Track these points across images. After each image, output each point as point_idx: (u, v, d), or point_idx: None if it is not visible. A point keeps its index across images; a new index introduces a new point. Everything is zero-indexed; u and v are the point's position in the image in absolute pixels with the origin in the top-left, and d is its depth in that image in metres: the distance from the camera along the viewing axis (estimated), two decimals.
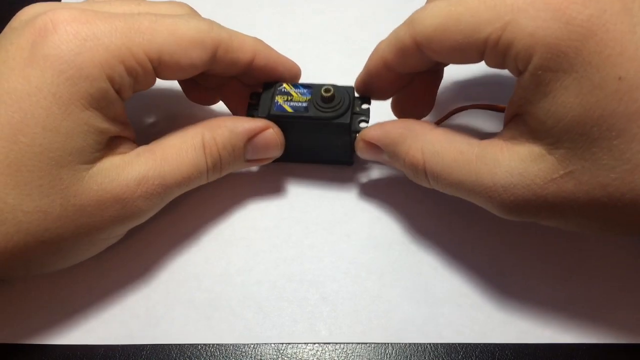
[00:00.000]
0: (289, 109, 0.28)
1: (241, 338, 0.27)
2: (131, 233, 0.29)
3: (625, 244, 0.29)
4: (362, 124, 0.29)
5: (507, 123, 0.25)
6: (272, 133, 0.28)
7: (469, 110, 0.32)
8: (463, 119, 0.33)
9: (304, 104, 0.28)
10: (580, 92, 0.20)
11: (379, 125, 0.28)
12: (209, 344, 0.27)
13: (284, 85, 0.29)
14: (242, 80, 0.30)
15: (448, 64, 0.28)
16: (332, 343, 0.27)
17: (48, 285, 0.28)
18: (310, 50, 0.38)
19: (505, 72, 0.24)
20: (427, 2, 0.26)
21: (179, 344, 0.26)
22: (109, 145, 0.25)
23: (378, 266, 0.29)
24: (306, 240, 0.30)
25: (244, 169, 0.29)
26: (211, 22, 0.27)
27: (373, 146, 0.28)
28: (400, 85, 0.29)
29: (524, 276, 0.28)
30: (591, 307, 0.27)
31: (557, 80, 0.21)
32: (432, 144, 0.25)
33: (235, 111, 0.32)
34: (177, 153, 0.26)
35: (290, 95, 0.28)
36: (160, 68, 0.25)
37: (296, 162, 0.32)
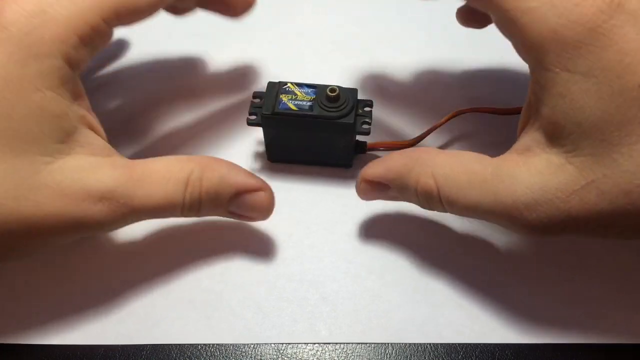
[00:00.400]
0: (294, 107, 0.28)
1: (241, 338, 0.27)
2: (129, 232, 0.29)
3: (625, 243, 0.29)
4: (365, 126, 0.29)
5: (521, 133, 0.24)
6: (262, 196, 0.26)
7: (469, 115, 0.32)
8: (463, 124, 0.32)
9: (309, 103, 0.28)
10: (601, 97, 0.20)
11: (378, 161, 0.26)
12: (209, 344, 0.27)
13: (289, 84, 0.29)
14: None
15: None
16: (332, 343, 0.27)
17: (48, 286, 0.28)
18: (310, 50, 0.38)
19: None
20: None
21: (179, 344, 0.26)
22: (73, 138, 0.23)
23: (378, 266, 0.29)
24: (306, 240, 0.30)
25: (222, 217, 0.27)
26: None
27: (376, 185, 0.26)
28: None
29: (524, 276, 0.28)
30: (591, 307, 0.27)
31: (574, 83, 0.21)
32: (442, 168, 0.24)
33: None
34: (158, 181, 0.24)
35: (295, 94, 0.29)
36: (120, 22, 0.24)
37: (296, 163, 0.32)
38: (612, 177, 0.21)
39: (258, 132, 0.31)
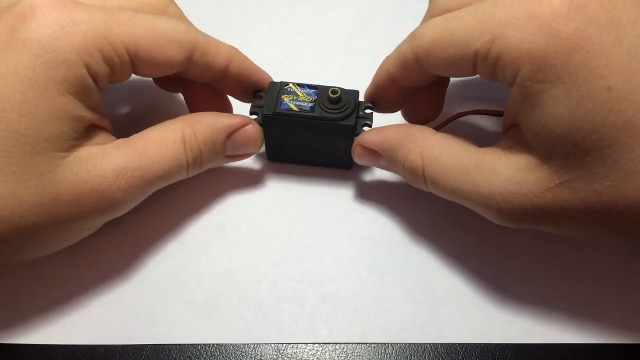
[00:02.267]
0: (295, 108, 0.28)
1: (241, 338, 0.27)
2: (130, 232, 0.29)
3: (623, 243, 0.29)
4: (365, 128, 0.29)
5: (506, 132, 0.25)
6: (251, 129, 0.28)
7: (470, 117, 0.32)
8: (463, 123, 0.33)
9: (310, 104, 0.28)
10: (570, 103, 0.21)
11: (377, 130, 0.28)
12: (209, 344, 0.27)
13: (290, 85, 0.29)
14: (215, 85, 0.30)
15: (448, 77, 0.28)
16: (332, 343, 0.27)
17: (46, 285, 0.28)
18: (310, 50, 0.38)
19: None
20: (427, 18, 0.27)
21: (179, 344, 0.26)
22: (86, 134, 0.24)
23: (378, 266, 0.29)
24: (306, 240, 0.30)
25: (222, 164, 0.29)
26: (190, 24, 0.28)
27: (371, 151, 0.28)
28: (407, 98, 0.29)
29: (523, 276, 0.28)
30: (591, 307, 0.27)
31: (545, 92, 0.21)
32: (432, 149, 0.26)
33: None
34: (158, 147, 0.26)
35: (297, 95, 0.29)
36: (137, 61, 0.25)
37: (295, 163, 0.32)
38: (584, 178, 0.21)
39: None
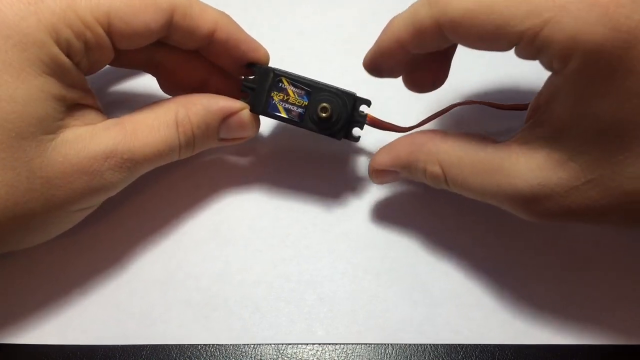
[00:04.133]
0: (284, 113, 0.27)
1: (238, 338, 0.27)
2: (127, 232, 0.29)
3: (624, 244, 0.29)
4: (355, 130, 0.28)
5: (526, 123, 0.24)
6: (247, 114, 0.27)
7: (468, 107, 0.31)
8: (461, 116, 0.32)
9: (300, 110, 0.27)
10: (618, 100, 0.20)
11: (386, 149, 0.27)
12: (209, 344, 0.27)
13: (283, 80, 0.27)
14: (204, 55, 0.28)
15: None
16: (331, 344, 0.27)
17: (41, 284, 0.28)
18: (310, 50, 0.38)
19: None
20: None
21: (179, 345, 0.26)
22: (72, 114, 0.24)
23: (375, 266, 0.29)
24: (304, 240, 0.29)
25: (215, 146, 0.28)
26: None
27: (387, 172, 0.27)
28: (412, 64, 0.27)
29: (522, 277, 0.28)
30: (590, 308, 0.27)
31: (594, 86, 0.20)
32: (449, 155, 0.25)
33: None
34: (149, 129, 0.25)
35: (288, 94, 0.27)
36: (113, 33, 0.24)
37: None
38: (615, 179, 0.21)
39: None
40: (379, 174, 0.27)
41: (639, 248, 0.28)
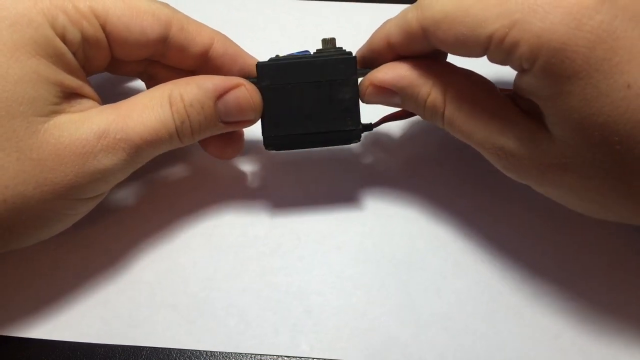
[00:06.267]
0: (291, 56, 0.27)
1: (221, 346, 0.27)
2: (119, 232, 0.29)
3: (624, 260, 0.28)
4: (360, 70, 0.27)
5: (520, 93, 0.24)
6: (244, 90, 0.26)
7: None
8: None
9: (305, 52, 0.27)
10: (585, 98, 0.20)
11: (390, 66, 0.26)
12: (213, 351, 0.27)
13: (278, 55, 0.28)
14: (200, 74, 0.28)
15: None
16: (315, 358, 0.26)
17: (32, 280, 0.28)
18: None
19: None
20: None
21: (180, 349, 0.26)
22: (68, 101, 0.24)
23: (365, 282, 0.28)
24: (296, 251, 0.29)
25: (220, 132, 0.27)
26: (168, 5, 0.26)
27: (384, 90, 0.26)
28: None
29: (515, 305, 0.27)
30: (584, 338, 0.26)
31: (560, 85, 0.21)
32: (454, 88, 0.25)
33: None
34: (142, 109, 0.24)
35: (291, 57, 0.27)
36: (109, 32, 0.25)
37: (297, 143, 0.28)
38: (589, 167, 0.22)
39: (255, 138, 0.30)
40: (375, 89, 0.26)
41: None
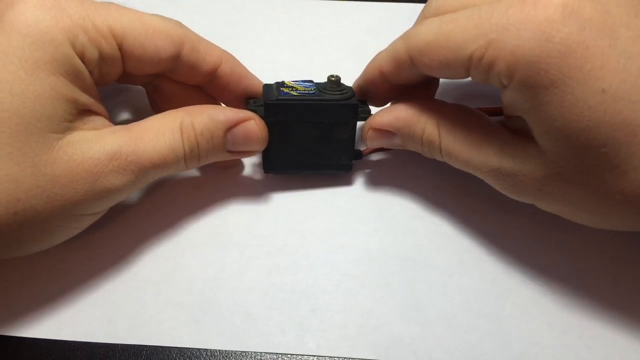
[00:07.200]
0: (297, 94, 0.28)
1: (228, 344, 0.26)
2: (124, 231, 0.29)
3: (629, 256, 0.28)
4: (363, 108, 0.29)
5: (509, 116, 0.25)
6: (253, 125, 0.27)
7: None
8: None
9: (311, 92, 0.28)
10: (562, 106, 0.21)
11: (386, 111, 0.28)
12: (213, 349, 0.26)
13: (285, 82, 0.29)
14: (205, 90, 0.30)
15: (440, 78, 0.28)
16: (321, 356, 0.26)
17: (37, 280, 0.28)
18: (321, 57, 0.38)
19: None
20: (421, 19, 0.27)
21: (180, 347, 0.26)
22: (81, 118, 0.24)
23: (371, 280, 0.28)
24: (301, 249, 0.29)
25: (224, 159, 0.29)
26: (181, 23, 0.28)
27: (384, 132, 0.28)
28: (395, 94, 0.30)
29: (521, 302, 0.27)
30: (590, 334, 0.26)
31: (538, 96, 0.22)
32: (447, 120, 0.26)
33: None
34: (154, 134, 0.25)
35: (295, 88, 0.29)
36: (125, 51, 0.25)
37: (293, 170, 0.31)
38: (579, 172, 0.22)
39: None
40: (375, 133, 0.28)
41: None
